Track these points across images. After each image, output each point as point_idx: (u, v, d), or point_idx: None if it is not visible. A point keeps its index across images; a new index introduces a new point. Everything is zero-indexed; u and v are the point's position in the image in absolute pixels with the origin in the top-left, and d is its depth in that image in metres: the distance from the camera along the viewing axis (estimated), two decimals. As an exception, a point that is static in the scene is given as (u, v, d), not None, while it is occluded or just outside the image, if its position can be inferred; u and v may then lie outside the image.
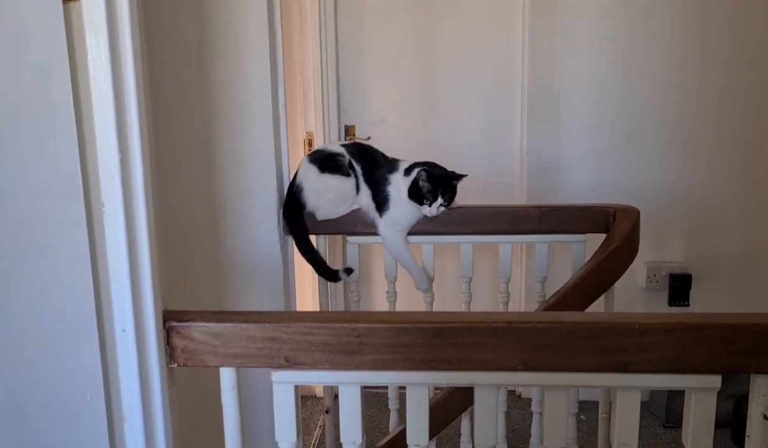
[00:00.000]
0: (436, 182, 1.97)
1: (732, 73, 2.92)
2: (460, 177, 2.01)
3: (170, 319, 1.21)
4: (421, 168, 1.97)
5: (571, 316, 1.26)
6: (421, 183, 1.98)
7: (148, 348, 1.17)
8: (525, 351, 1.15)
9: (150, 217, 1.15)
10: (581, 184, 3.03)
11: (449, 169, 2.03)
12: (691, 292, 3.05)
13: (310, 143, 3.19)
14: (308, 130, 3.21)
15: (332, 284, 3.11)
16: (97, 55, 1.04)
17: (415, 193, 1.98)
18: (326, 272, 2.16)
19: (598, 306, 2.03)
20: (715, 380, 1.14)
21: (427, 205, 1.98)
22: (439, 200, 1.98)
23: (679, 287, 3.04)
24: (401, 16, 3.16)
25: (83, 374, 1.12)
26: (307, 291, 2.83)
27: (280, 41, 2.11)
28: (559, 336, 1.14)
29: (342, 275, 2.14)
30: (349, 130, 3.22)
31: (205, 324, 1.20)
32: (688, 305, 3.04)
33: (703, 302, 3.06)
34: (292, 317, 1.21)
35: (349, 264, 2.22)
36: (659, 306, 3.09)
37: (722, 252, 3.06)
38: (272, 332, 1.19)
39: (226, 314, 1.23)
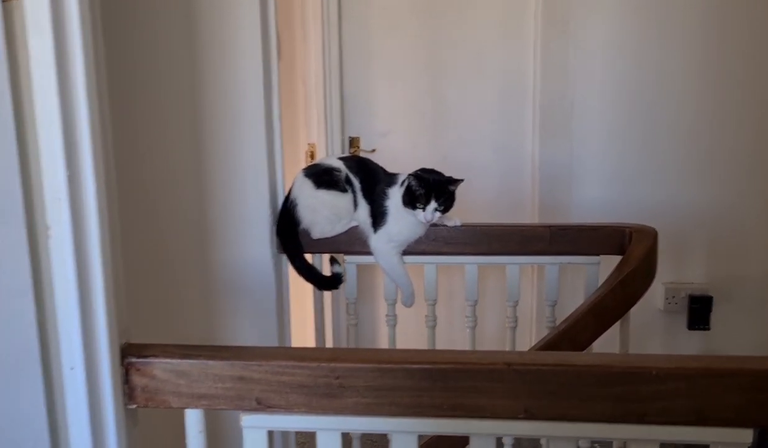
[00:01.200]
0: (428, 186, 1.84)
1: (753, 82, 2.77)
2: (455, 182, 1.88)
3: (130, 354, 1.08)
4: (412, 173, 1.86)
5: (580, 358, 1.12)
6: (412, 186, 1.86)
7: (101, 388, 1.04)
8: (527, 397, 1.01)
9: (105, 241, 1.03)
10: (595, 199, 2.88)
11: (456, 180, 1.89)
12: (712, 314, 2.88)
13: (312, 155, 3.08)
14: (310, 142, 3.10)
15: (329, 306, 3.03)
16: (41, 58, 0.92)
17: (409, 199, 1.86)
18: (327, 283, 2.04)
19: (612, 333, 1.89)
20: (746, 435, 0.99)
21: (420, 210, 1.84)
22: (433, 204, 1.84)
23: (699, 309, 2.88)
24: (408, 23, 3.03)
25: (25, 419, 1.00)
26: (303, 312, 2.69)
27: (275, 47, 1.98)
28: (566, 381, 1.00)
29: (336, 269, 2.01)
30: (353, 142, 3.10)
31: (168, 360, 1.07)
32: (708, 329, 2.88)
33: (725, 326, 2.90)
34: (265, 354, 1.08)
35: (348, 285, 2.09)
36: (678, 330, 2.93)
37: (745, 272, 2.89)
38: (242, 370, 1.06)
39: (192, 349, 1.10)
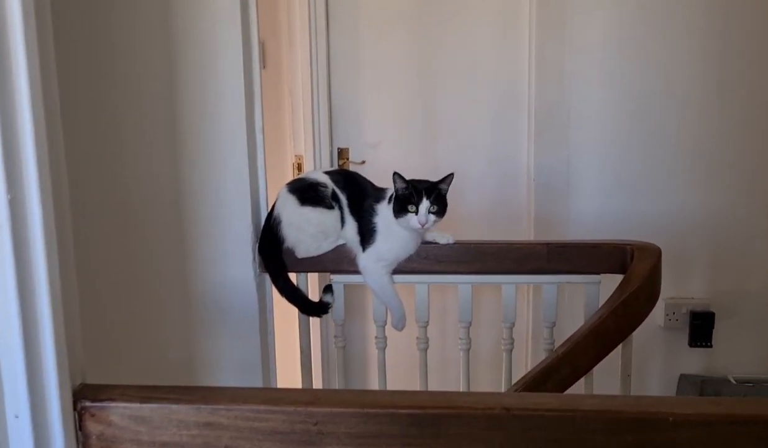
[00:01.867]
0: (414, 185, 1.75)
1: (759, 90, 2.67)
2: (445, 179, 1.77)
3: (84, 398, 0.97)
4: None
5: (587, 401, 1.01)
6: (399, 189, 1.76)
7: (51, 438, 0.93)
8: (528, 446, 0.90)
9: (54, 269, 0.91)
10: (593, 211, 2.78)
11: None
12: (714, 331, 2.78)
13: (299, 167, 2.97)
14: (297, 154, 2.99)
15: (317, 326, 2.91)
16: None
17: (399, 206, 1.75)
18: (312, 309, 1.95)
19: (613, 355, 1.79)
20: (773, 489, 0.89)
21: (413, 215, 1.73)
22: (426, 203, 1.73)
23: (701, 325, 2.77)
24: (399, 30, 2.93)
25: (-40, 477, 0.89)
26: (289, 333, 2.57)
27: (257, 55, 1.88)
28: (572, 428, 0.89)
29: (327, 299, 1.92)
30: (342, 154, 2.99)
31: (126, 405, 0.96)
32: (710, 346, 2.77)
33: (728, 343, 2.80)
34: (235, 396, 0.97)
35: (335, 306, 1.98)
36: (679, 347, 2.82)
37: (748, 287, 2.79)
38: (210, 415, 0.95)
39: (153, 392, 0.99)
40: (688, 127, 2.71)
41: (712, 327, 2.77)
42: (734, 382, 2.72)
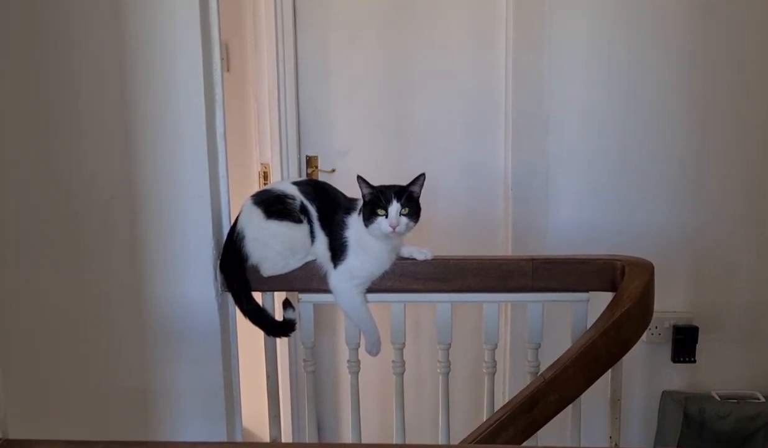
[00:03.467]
0: (382, 189, 1.63)
1: (741, 102, 2.59)
2: (415, 181, 1.65)
3: (4, 457, 0.81)
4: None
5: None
6: (364, 194, 1.64)
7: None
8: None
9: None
10: (573, 223, 2.67)
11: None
12: (698, 346, 2.69)
13: (265, 176, 2.82)
14: (263, 162, 2.84)
15: (285, 349, 2.77)
16: None
17: (368, 211, 1.62)
18: (277, 329, 1.81)
19: (602, 379, 1.68)
20: None
21: (383, 218, 1.60)
22: (396, 205, 1.60)
23: (684, 340, 2.68)
24: (370, 34, 2.80)
25: None
26: (255, 355, 2.39)
27: (218, 57, 1.73)
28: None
29: (289, 315, 1.77)
30: (310, 162, 2.84)
31: (55, 465, 0.80)
32: (694, 361, 2.68)
33: (711, 358, 2.71)
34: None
35: (304, 328, 1.84)
36: (661, 363, 2.73)
37: (731, 301, 2.70)
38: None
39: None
40: (670, 137, 2.62)
41: (696, 342, 2.69)
42: (718, 398, 2.63)
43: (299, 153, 2.84)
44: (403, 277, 1.76)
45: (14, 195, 1.59)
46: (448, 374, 1.87)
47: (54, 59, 1.60)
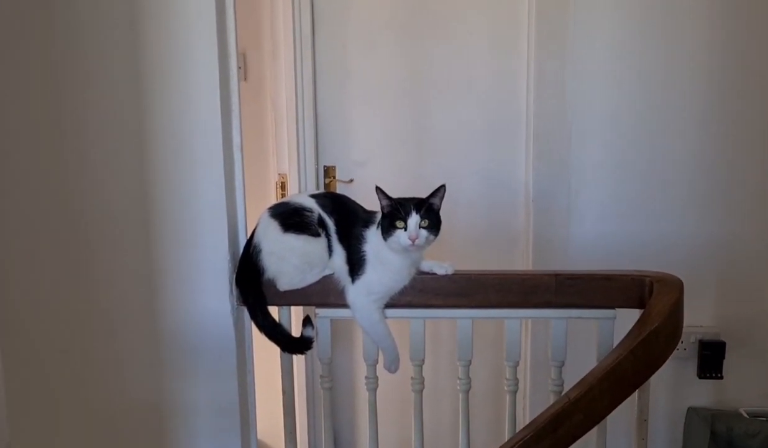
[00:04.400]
0: (401, 200, 1.59)
1: (769, 110, 2.53)
2: (435, 193, 1.61)
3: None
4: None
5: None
6: (383, 206, 1.59)
7: None
8: None
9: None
10: (596, 236, 2.61)
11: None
12: (725, 361, 2.61)
13: (283, 186, 2.79)
14: (281, 172, 2.81)
15: (302, 364, 2.73)
16: None
17: (387, 225, 1.58)
18: (293, 346, 1.77)
19: (630, 400, 1.61)
20: None
21: (402, 230, 1.56)
22: (415, 217, 1.56)
23: (711, 356, 2.61)
24: (389, 41, 2.76)
25: None
26: (272, 370, 2.35)
27: (235, 67, 1.70)
28: None
29: (308, 333, 1.74)
30: (328, 172, 2.81)
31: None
32: (721, 378, 2.61)
33: (739, 374, 2.63)
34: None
35: (321, 343, 1.80)
36: (687, 378, 2.66)
37: (761, 316, 2.62)
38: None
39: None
40: (698, 146, 2.56)
41: (723, 357, 2.61)
42: (746, 416, 2.55)
43: (317, 163, 2.81)
44: (423, 292, 1.71)
45: (27, 207, 1.57)
46: (468, 391, 1.82)
47: (69, 69, 1.58)
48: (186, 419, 1.78)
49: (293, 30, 2.66)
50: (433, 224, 1.59)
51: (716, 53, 2.50)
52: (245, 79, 2.89)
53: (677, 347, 2.58)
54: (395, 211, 1.57)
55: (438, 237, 1.61)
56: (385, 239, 1.59)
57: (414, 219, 1.56)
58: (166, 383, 1.76)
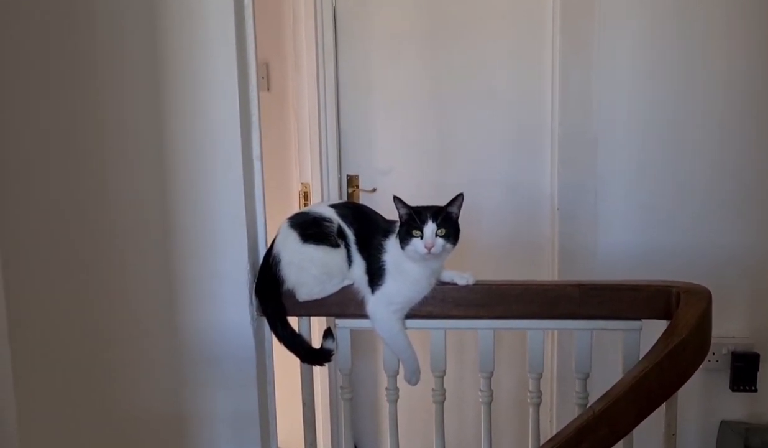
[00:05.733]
0: (418, 209, 1.57)
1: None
2: (453, 201, 1.59)
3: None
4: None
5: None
6: (401, 214, 1.58)
7: None
8: None
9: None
10: (623, 246, 2.56)
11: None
12: (759, 374, 2.54)
13: (305, 196, 2.79)
14: (304, 182, 2.81)
15: (324, 373, 2.72)
16: None
17: (404, 234, 1.57)
18: (313, 357, 1.77)
19: (657, 412, 1.57)
20: None
21: (418, 239, 1.54)
22: (431, 225, 1.54)
23: (744, 368, 2.54)
24: (412, 50, 2.75)
25: None
26: (293, 380, 2.33)
27: (255, 77, 1.71)
28: None
29: (328, 345, 1.73)
30: (351, 181, 2.81)
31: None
32: (755, 390, 2.53)
33: (775, 387, 2.56)
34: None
35: (341, 354, 1.79)
36: (719, 391, 2.58)
37: (795, 326, 2.55)
38: None
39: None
40: (726, 153, 2.49)
41: (757, 369, 2.54)
42: (782, 430, 2.48)
43: (340, 172, 2.81)
44: (444, 302, 1.69)
45: (46, 216, 1.58)
46: (490, 403, 1.79)
47: (89, 79, 1.59)
48: (206, 429, 1.77)
49: (316, 40, 2.67)
50: (451, 233, 1.57)
51: (743, 60, 2.44)
52: (268, 89, 2.90)
53: (707, 359, 2.54)
54: (412, 220, 1.55)
55: (457, 246, 1.59)
56: (402, 247, 1.57)
57: (430, 227, 1.54)
58: (187, 393, 1.76)
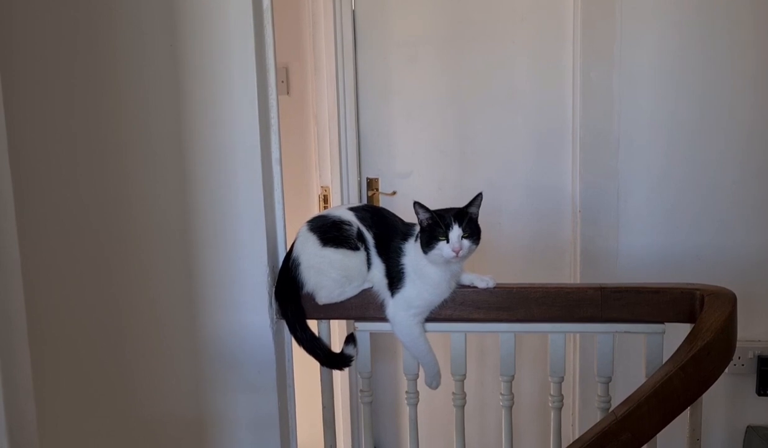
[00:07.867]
0: (440, 213, 1.55)
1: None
2: (472, 202, 1.57)
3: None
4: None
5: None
6: (422, 220, 1.56)
7: None
8: None
9: None
10: (646, 248, 2.53)
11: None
12: (786, 378, 2.50)
13: (325, 199, 2.79)
14: (324, 185, 2.81)
15: (345, 376, 2.71)
16: None
17: (427, 238, 1.55)
18: (332, 361, 1.76)
19: (681, 417, 1.55)
20: None
21: (444, 242, 1.52)
22: (456, 229, 1.52)
23: (770, 372, 2.50)
24: (432, 52, 2.74)
25: None
26: (313, 383, 2.32)
27: (274, 80, 1.71)
28: None
29: (349, 351, 1.73)
30: (371, 184, 2.80)
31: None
32: (782, 395, 2.50)
33: (801, 392, 2.51)
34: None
35: (361, 358, 1.78)
36: (745, 396, 2.55)
37: (823, 330, 2.51)
38: None
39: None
40: (750, 154, 2.46)
41: (784, 374, 2.50)
42: (810, 436, 2.43)
43: (359, 175, 2.81)
44: (464, 306, 1.68)
45: (67, 220, 1.60)
46: (511, 407, 1.78)
47: (111, 84, 1.60)
48: (226, 432, 1.77)
49: (335, 43, 2.67)
50: (474, 234, 1.56)
51: (766, 58, 2.40)
52: (288, 92, 2.91)
53: (732, 363, 2.51)
54: (435, 225, 1.54)
55: (479, 248, 1.58)
56: (425, 252, 1.56)
57: (456, 231, 1.53)
58: (206, 396, 1.76)
